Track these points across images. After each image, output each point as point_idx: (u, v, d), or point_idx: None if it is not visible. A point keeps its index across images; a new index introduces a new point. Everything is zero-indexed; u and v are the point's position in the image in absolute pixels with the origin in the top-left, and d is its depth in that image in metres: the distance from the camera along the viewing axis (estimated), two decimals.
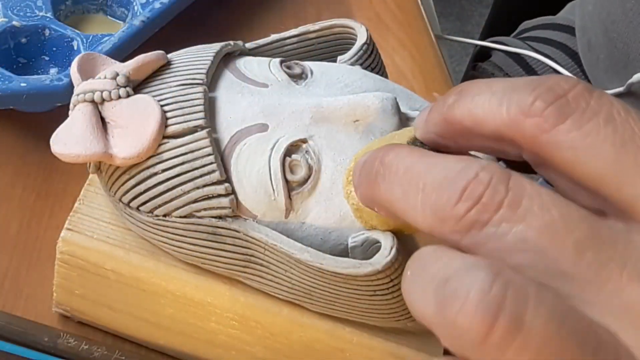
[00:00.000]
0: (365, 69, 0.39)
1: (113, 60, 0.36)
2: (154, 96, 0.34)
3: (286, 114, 0.34)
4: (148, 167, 0.33)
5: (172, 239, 0.34)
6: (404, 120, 0.34)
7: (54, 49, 0.49)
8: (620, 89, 0.60)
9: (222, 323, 0.37)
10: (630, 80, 0.59)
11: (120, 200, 0.34)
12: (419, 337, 0.36)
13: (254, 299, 0.36)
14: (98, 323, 0.40)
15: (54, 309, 0.40)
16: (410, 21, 0.64)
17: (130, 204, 0.34)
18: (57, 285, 0.38)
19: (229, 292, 0.36)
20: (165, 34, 0.50)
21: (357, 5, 0.64)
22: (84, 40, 0.48)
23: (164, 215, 0.33)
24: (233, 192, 0.33)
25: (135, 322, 0.39)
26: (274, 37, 0.39)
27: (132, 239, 0.36)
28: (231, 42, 0.38)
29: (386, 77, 0.40)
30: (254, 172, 0.33)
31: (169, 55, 0.36)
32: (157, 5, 0.50)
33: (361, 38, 0.39)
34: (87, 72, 0.34)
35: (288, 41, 0.40)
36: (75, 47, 0.48)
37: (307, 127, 0.34)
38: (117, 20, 0.53)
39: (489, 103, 0.26)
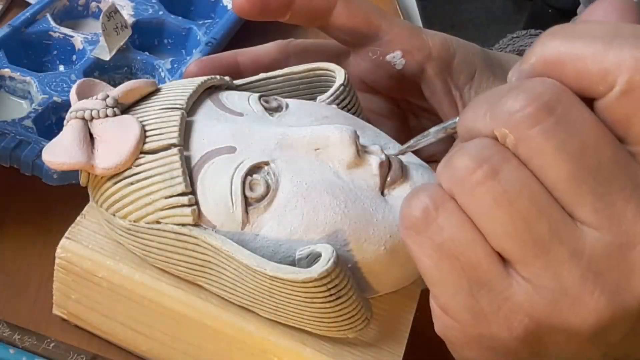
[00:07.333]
0: (342, 108, 0.42)
1: (110, 87, 0.40)
2: (137, 117, 0.38)
3: (254, 139, 0.38)
4: (125, 178, 0.38)
5: (142, 244, 0.38)
6: (361, 151, 0.38)
7: None
8: None
9: (195, 334, 0.40)
10: None
11: (101, 206, 0.39)
12: (362, 347, 0.39)
13: (227, 314, 0.39)
14: (90, 328, 0.43)
15: (54, 311, 0.44)
16: None
17: (109, 210, 0.38)
18: (56, 289, 0.43)
19: (202, 305, 0.39)
20: None
21: None
22: None
23: (135, 221, 0.38)
24: (196, 203, 0.37)
25: (121, 329, 0.42)
26: (261, 75, 0.44)
27: (122, 252, 0.40)
28: (217, 77, 0.42)
29: (362, 117, 0.43)
30: (217, 187, 0.37)
31: (161, 85, 0.41)
32: (182, 69, 0.54)
33: (339, 80, 0.43)
34: (84, 95, 0.39)
35: (273, 80, 0.44)
36: None
37: (272, 152, 0.38)
38: None
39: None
